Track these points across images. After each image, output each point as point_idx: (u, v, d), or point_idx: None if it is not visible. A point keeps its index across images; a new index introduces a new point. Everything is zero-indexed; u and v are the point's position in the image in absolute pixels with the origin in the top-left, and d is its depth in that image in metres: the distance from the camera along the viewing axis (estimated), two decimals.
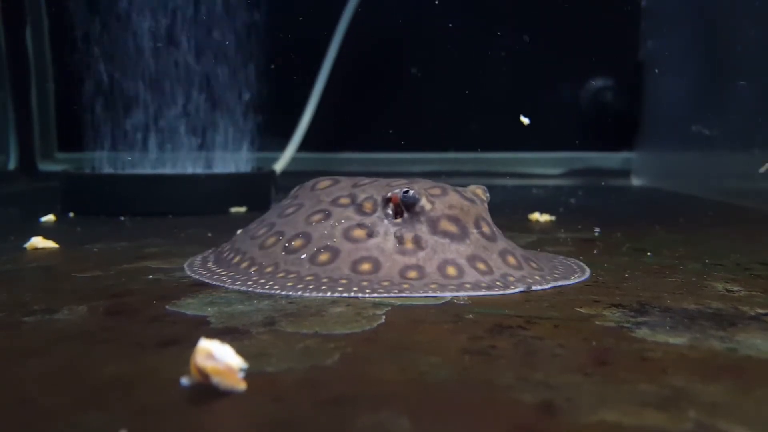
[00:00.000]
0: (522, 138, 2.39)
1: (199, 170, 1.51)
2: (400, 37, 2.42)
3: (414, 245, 0.66)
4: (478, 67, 2.30)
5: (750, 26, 1.58)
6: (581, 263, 0.79)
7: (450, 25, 2.35)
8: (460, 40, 2.32)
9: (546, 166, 2.46)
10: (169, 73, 1.52)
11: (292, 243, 0.69)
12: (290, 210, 0.76)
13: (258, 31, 1.59)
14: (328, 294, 0.61)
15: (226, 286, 0.66)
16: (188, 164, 1.53)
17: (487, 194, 0.74)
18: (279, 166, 1.91)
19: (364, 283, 0.62)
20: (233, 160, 1.60)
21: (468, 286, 0.63)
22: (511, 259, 0.68)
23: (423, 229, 0.67)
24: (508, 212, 1.43)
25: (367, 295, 0.61)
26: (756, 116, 1.54)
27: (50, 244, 0.89)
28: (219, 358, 0.38)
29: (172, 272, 0.74)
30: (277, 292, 0.63)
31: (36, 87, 2.34)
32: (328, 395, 0.38)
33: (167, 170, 1.48)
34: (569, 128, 2.41)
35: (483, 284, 0.63)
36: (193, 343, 0.47)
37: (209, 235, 1.02)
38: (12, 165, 2.24)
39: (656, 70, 2.17)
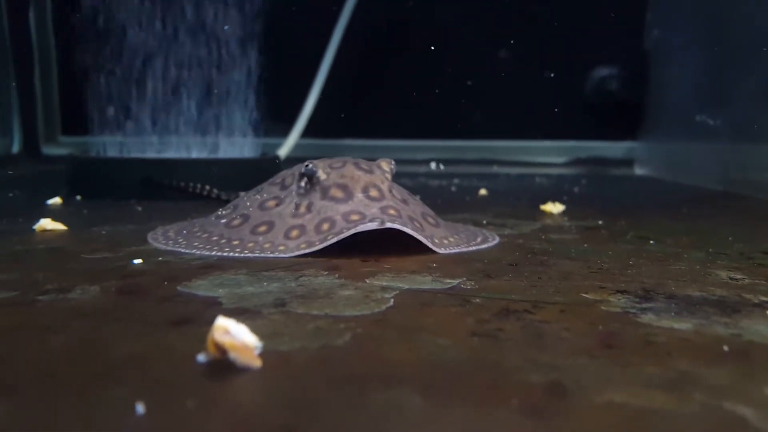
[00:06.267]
0: (526, 126, 2.40)
1: (204, 155, 1.52)
2: (404, 24, 2.41)
3: (305, 209, 0.76)
4: (482, 54, 2.30)
5: (756, 15, 1.58)
6: (493, 234, 0.90)
7: (454, 11, 2.34)
8: (464, 27, 2.32)
9: (550, 155, 2.46)
10: (174, 56, 1.52)
11: (233, 221, 0.81)
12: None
13: (262, 17, 1.58)
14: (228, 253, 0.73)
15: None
16: (193, 149, 1.53)
17: (392, 166, 0.82)
18: (283, 151, 1.91)
19: (250, 245, 0.74)
20: (238, 145, 1.60)
21: (341, 230, 0.71)
22: (392, 211, 0.74)
23: (316, 196, 0.77)
24: (512, 201, 1.44)
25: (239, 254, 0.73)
26: (761, 107, 1.54)
27: (59, 226, 0.90)
28: (235, 335, 0.39)
29: (181, 254, 0.74)
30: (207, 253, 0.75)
31: (39, 70, 2.33)
32: (341, 374, 0.39)
33: (173, 155, 1.48)
34: (573, 117, 2.41)
35: (346, 228, 0.71)
36: (207, 323, 0.48)
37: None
38: (16, 148, 2.24)
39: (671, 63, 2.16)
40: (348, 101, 2.39)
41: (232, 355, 0.39)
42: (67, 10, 1.54)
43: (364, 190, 0.76)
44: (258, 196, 0.83)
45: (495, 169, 2.38)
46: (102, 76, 1.48)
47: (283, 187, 0.82)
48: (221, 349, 0.39)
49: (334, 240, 0.71)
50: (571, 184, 1.92)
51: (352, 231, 0.71)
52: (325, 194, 0.76)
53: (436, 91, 2.34)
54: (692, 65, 1.94)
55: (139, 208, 1.16)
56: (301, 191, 0.78)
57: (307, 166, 0.79)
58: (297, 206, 0.77)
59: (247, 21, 1.57)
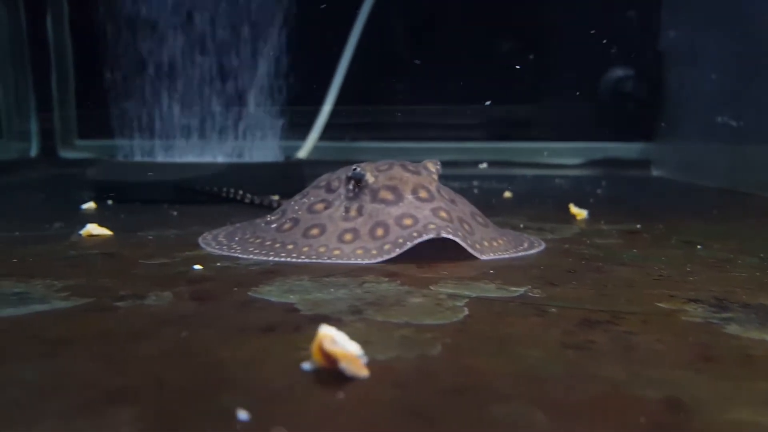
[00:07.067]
0: (541, 128, 2.40)
1: (229, 159, 1.51)
2: (419, 28, 2.41)
3: (356, 213, 0.76)
4: (497, 56, 2.30)
5: None
6: (538, 239, 0.89)
7: (468, 15, 2.34)
8: (479, 30, 2.31)
9: (566, 156, 2.46)
10: (191, 59, 1.51)
11: (284, 225, 0.80)
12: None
13: (281, 18, 1.58)
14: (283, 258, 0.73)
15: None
16: (217, 153, 1.53)
17: (438, 166, 0.82)
18: (302, 154, 1.91)
19: (305, 249, 0.74)
20: (260, 148, 1.59)
21: (398, 240, 0.72)
22: (443, 214, 0.74)
23: (366, 199, 0.77)
24: (539, 203, 1.44)
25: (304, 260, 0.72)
26: None
27: (105, 231, 0.90)
28: (342, 344, 0.39)
29: (237, 260, 0.74)
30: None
31: (56, 75, 2.33)
32: (448, 384, 0.39)
33: (199, 159, 1.48)
34: (589, 118, 2.41)
35: (403, 237, 0.72)
36: (293, 329, 0.48)
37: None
38: (34, 152, 2.24)
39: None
40: (365, 103, 2.39)
41: (343, 364, 0.38)
42: (84, 15, 1.54)
43: (414, 192, 0.77)
44: (305, 200, 0.83)
45: (515, 169, 2.38)
46: (118, 80, 1.48)
47: (329, 189, 0.82)
48: (331, 359, 0.39)
49: (396, 253, 0.71)
50: (592, 185, 1.92)
51: (409, 245, 0.71)
52: (375, 197, 0.77)
53: (452, 94, 2.34)
54: (709, 66, 1.94)
55: (175, 213, 1.16)
56: (350, 194, 0.79)
57: (354, 169, 0.79)
58: (347, 209, 0.77)
59: (264, 23, 1.57)
